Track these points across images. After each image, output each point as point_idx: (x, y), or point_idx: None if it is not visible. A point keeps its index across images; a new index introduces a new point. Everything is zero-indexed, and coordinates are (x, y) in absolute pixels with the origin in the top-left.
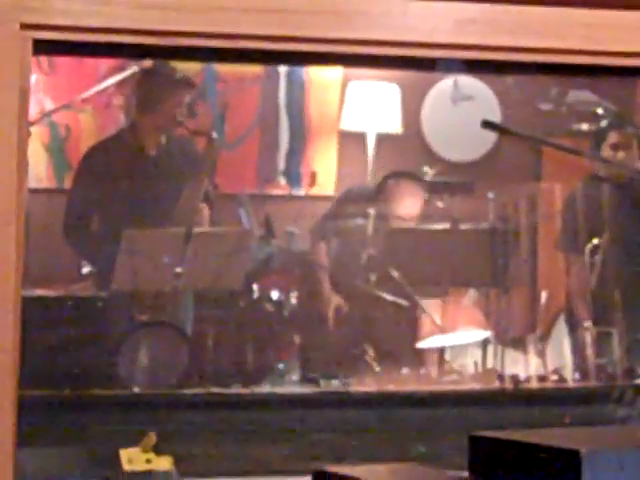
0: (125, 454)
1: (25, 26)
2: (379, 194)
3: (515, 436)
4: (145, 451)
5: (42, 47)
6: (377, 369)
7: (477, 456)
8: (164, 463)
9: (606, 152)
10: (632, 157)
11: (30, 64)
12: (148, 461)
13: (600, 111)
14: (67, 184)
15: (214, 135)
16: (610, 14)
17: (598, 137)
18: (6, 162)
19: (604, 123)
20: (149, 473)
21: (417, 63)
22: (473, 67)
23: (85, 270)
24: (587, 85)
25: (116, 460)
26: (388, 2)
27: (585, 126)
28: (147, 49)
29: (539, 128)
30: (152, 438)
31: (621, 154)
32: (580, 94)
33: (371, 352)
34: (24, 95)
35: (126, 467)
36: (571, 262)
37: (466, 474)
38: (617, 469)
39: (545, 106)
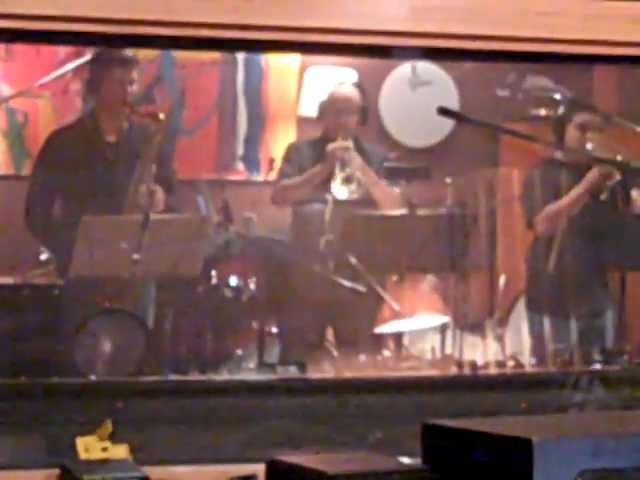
0: (82, 442)
1: None
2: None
3: (468, 425)
4: (101, 439)
5: None
6: (335, 355)
7: (430, 444)
8: (120, 451)
9: (572, 133)
10: (599, 139)
11: None
12: (104, 449)
13: (557, 97)
14: (25, 170)
15: (161, 116)
16: (564, 2)
17: (562, 119)
18: None
19: (565, 107)
20: (105, 461)
21: (374, 50)
22: (429, 54)
23: (44, 257)
24: (544, 72)
25: (73, 448)
26: None
27: (543, 111)
28: (103, 37)
29: (497, 113)
30: (108, 426)
31: (589, 134)
32: (537, 80)
33: (330, 338)
34: None
35: (82, 455)
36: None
37: (419, 461)
38: (568, 457)
39: (502, 92)
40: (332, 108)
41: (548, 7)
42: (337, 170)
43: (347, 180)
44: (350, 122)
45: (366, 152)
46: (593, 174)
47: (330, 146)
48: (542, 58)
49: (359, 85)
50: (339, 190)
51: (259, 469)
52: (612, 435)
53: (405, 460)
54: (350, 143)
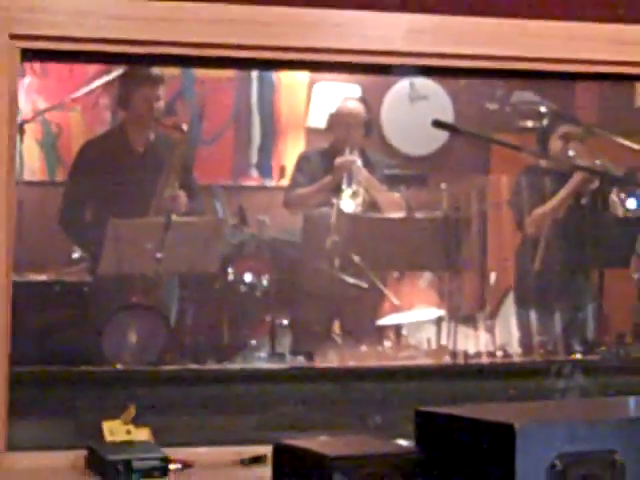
0: (107, 426)
1: (13, 36)
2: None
3: (457, 411)
4: (126, 423)
5: (30, 55)
6: (340, 345)
7: (423, 429)
8: (143, 434)
9: (555, 143)
10: (580, 148)
11: (17, 70)
12: (128, 432)
13: (542, 110)
14: (58, 177)
15: (185, 128)
16: (547, 24)
17: (546, 130)
18: None
19: (550, 118)
20: (129, 443)
21: (376, 68)
22: (425, 71)
23: (75, 255)
24: (530, 87)
25: (99, 431)
26: (347, 14)
27: (529, 123)
28: (127, 56)
29: (487, 125)
30: (132, 411)
31: (571, 144)
32: (523, 95)
33: (335, 330)
34: (13, 98)
35: (108, 438)
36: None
37: (413, 444)
38: (547, 441)
39: (492, 106)
40: (340, 122)
41: (533, 29)
42: (344, 184)
43: (354, 195)
44: (356, 134)
45: (370, 161)
46: (575, 180)
47: (338, 160)
48: (528, 75)
49: (363, 100)
50: (347, 203)
51: (268, 451)
52: (587, 421)
53: (401, 442)
54: (356, 157)
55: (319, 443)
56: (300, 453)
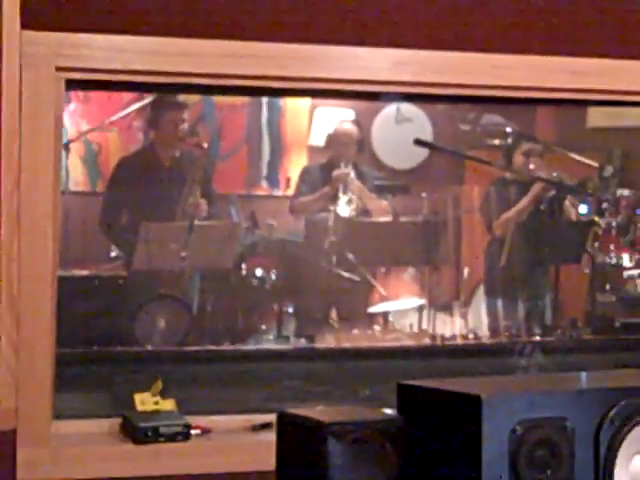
0: (138, 397)
1: (59, 69)
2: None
3: (432, 384)
4: (154, 395)
5: (73, 85)
6: (336, 329)
7: (404, 399)
8: (169, 404)
9: (518, 158)
10: (539, 163)
11: (62, 98)
12: (156, 403)
13: (507, 130)
14: (99, 188)
15: (205, 146)
16: (512, 57)
17: (511, 147)
18: (45, 173)
19: (514, 137)
20: (157, 412)
21: (367, 95)
22: (409, 97)
23: (113, 254)
24: (497, 111)
25: (131, 402)
26: (343, 49)
27: (496, 141)
28: (156, 85)
29: (461, 143)
30: (159, 385)
31: (531, 160)
32: (491, 117)
33: (333, 316)
34: (58, 121)
35: (139, 408)
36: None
37: (396, 412)
38: (509, 409)
39: (465, 127)
40: (336, 140)
41: (499, 62)
42: (341, 192)
43: (349, 202)
44: (350, 151)
45: (362, 173)
46: (535, 190)
47: (335, 173)
48: (495, 100)
49: (356, 122)
50: (343, 209)
51: (274, 418)
52: (543, 392)
53: (386, 411)
54: (350, 170)
55: (317, 412)
56: (300, 420)
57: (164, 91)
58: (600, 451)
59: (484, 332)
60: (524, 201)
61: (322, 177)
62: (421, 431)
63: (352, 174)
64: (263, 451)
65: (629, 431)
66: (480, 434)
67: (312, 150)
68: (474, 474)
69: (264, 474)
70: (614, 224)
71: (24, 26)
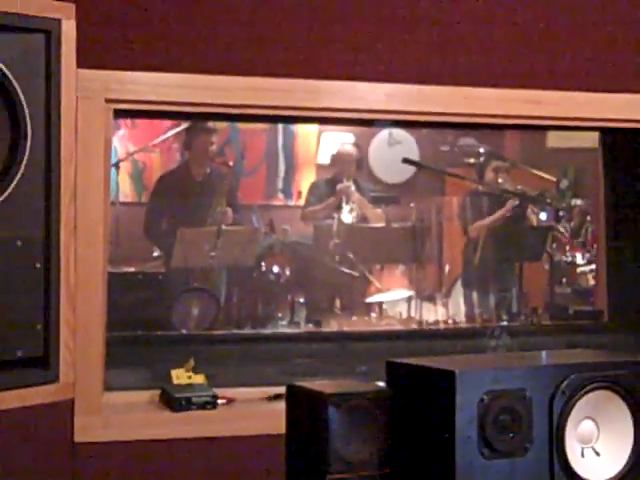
0: (174, 373)
1: (108, 100)
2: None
3: (416, 361)
4: (187, 371)
5: (120, 114)
6: (339, 316)
7: (392, 375)
8: (199, 379)
9: (489, 174)
10: (506, 178)
11: (112, 125)
12: (189, 377)
13: (480, 150)
14: (143, 199)
15: (231, 164)
16: (482, 90)
17: (483, 165)
18: (97, 187)
19: (485, 156)
20: (189, 385)
21: (364, 121)
22: (399, 124)
23: (155, 254)
24: (471, 134)
25: (169, 377)
26: (344, 84)
27: (471, 160)
28: (190, 114)
29: (441, 161)
30: (191, 363)
31: (500, 175)
32: (466, 140)
33: (336, 305)
34: (108, 145)
35: (175, 381)
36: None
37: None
38: (477, 382)
39: (444, 148)
40: (339, 160)
41: (473, 94)
42: (343, 203)
43: (350, 211)
44: (351, 169)
45: (360, 187)
46: (509, 205)
47: (339, 186)
48: (470, 126)
49: (356, 144)
50: (345, 217)
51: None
52: (506, 368)
53: (379, 384)
54: (351, 184)
55: (320, 385)
56: (305, 391)
57: (197, 119)
58: (553, 417)
59: (461, 318)
60: (499, 213)
61: (328, 190)
62: (406, 400)
63: (353, 187)
64: (276, 417)
65: (578, 400)
66: (454, 403)
67: (319, 168)
68: (449, 435)
69: (277, 436)
70: (569, 228)
71: (79, 65)
